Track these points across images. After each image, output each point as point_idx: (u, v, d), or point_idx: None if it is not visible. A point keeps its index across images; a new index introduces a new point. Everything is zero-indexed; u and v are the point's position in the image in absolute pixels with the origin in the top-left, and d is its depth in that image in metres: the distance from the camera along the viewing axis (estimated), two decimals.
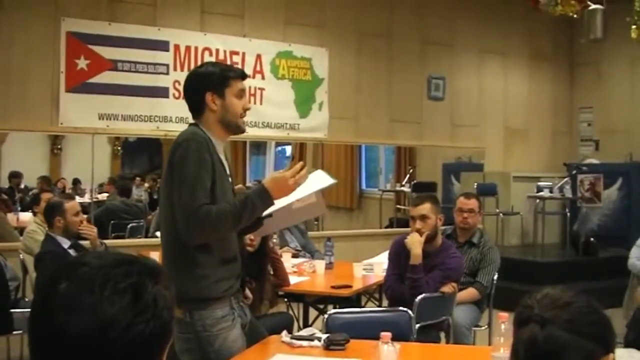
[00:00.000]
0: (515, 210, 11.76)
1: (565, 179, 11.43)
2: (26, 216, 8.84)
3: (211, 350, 3.51)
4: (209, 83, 3.64)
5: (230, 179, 3.72)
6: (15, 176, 11.59)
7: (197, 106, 3.67)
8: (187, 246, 3.47)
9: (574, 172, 11.74)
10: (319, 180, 3.86)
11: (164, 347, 1.43)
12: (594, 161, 12.36)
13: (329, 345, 3.73)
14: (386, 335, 3.16)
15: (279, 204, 3.65)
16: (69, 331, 1.30)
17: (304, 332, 4.05)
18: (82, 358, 1.31)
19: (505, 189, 11.79)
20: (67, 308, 1.32)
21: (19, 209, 10.35)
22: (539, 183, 11.30)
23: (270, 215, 3.69)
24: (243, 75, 3.77)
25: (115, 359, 1.32)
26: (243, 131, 3.78)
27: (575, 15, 9.79)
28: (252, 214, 3.53)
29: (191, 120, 3.74)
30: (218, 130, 3.66)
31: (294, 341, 3.83)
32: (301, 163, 3.68)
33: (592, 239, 10.88)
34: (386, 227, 12.32)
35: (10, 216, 9.64)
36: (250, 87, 9.56)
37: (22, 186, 11.73)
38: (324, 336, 3.83)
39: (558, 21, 11.65)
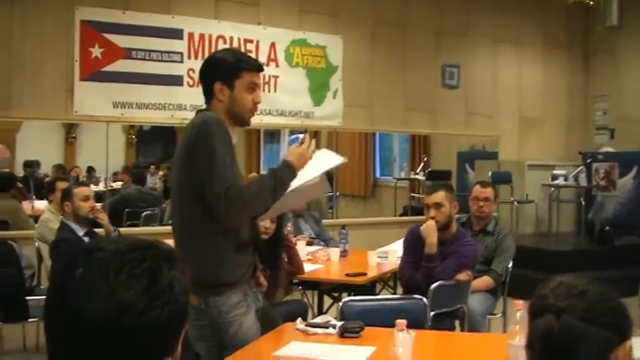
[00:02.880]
0: (530, 198, 11.71)
1: (580, 167, 11.41)
2: (41, 204, 8.88)
3: (226, 336, 3.51)
4: (219, 72, 3.60)
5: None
6: (29, 165, 11.65)
7: (207, 92, 3.64)
8: (204, 231, 3.47)
9: (589, 160, 11.69)
10: (327, 159, 3.83)
11: (180, 332, 1.43)
12: (610, 149, 12.30)
13: (343, 333, 3.72)
14: (401, 322, 3.15)
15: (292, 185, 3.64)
16: (85, 317, 1.30)
17: (319, 320, 4.05)
18: (98, 343, 1.31)
19: (519, 177, 11.74)
20: (83, 293, 1.32)
21: (34, 197, 10.40)
22: (554, 171, 11.29)
23: None
24: (258, 68, 3.70)
25: (132, 343, 1.32)
26: (247, 125, 3.73)
27: (591, 2, 9.75)
28: (282, 187, 3.51)
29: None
30: (225, 119, 3.58)
31: (309, 328, 3.82)
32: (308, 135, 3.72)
33: (607, 228, 10.84)
34: (400, 215, 12.32)
35: (26, 204, 9.68)
36: (264, 75, 9.56)
37: (37, 174, 11.79)
38: (339, 323, 3.83)
39: (573, 8, 11.62)
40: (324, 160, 3.79)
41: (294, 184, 3.61)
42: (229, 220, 3.43)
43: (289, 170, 3.55)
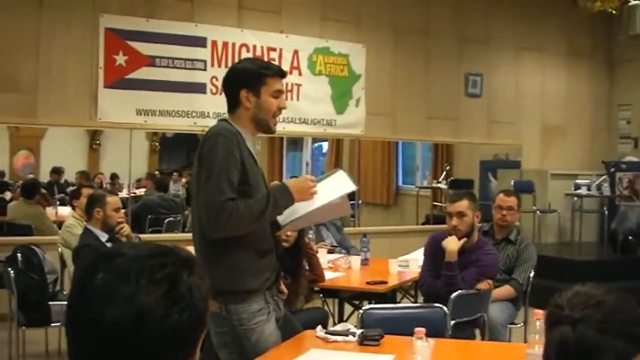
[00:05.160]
0: (552, 208, 11.66)
1: (604, 177, 11.33)
2: (65, 210, 8.95)
3: (248, 344, 3.54)
4: (245, 80, 3.64)
5: (261, 172, 3.71)
6: (56, 172, 11.74)
7: (232, 102, 3.68)
8: (223, 239, 3.48)
9: (613, 169, 11.62)
10: (340, 184, 3.84)
11: (199, 338, 1.44)
12: (633, 159, 12.23)
13: (363, 341, 3.73)
14: (420, 330, 3.15)
15: (302, 210, 3.70)
16: (105, 321, 1.32)
17: (339, 327, 4.05)
18: (118, 348, 1.33)
19: (542, 186, 11.70)
20: (103, 298, 1.33)
21: (58, 203, 10.47)
22: (577, 181, 11.23)
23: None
24: (281, 74, 3.76)
25: (151, 348, 1.34)
26: (272, 132, 3.77)
27: (614, 12, 9.71)
28: (275, 210, 3.56)
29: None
30: (249, 127, 3.66)
31: (329, 336, 3.82)
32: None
33: (630, 238, 10.76)
34: (422, 224, 12.29)
35: (49, 210, 9.76)
36: (287, 83, 9.59)
37: (62, 181, 11.87)
38: (359, 331, 3.83)
39: (597, 17, 11.56)
40: (338, 186, 3.83)
41: (307, 207, 3.69)
42: (212, 230, 3.46)
43: (286, 196, 3.58)
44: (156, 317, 1.33)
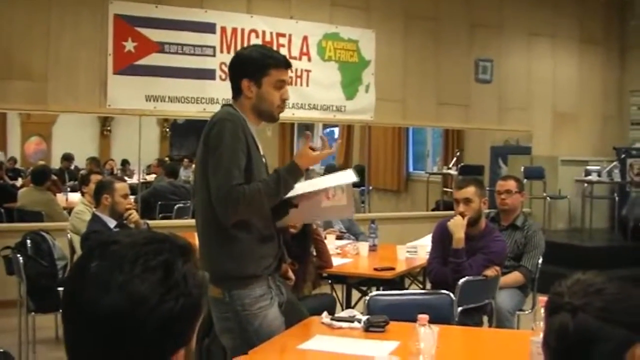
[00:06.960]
0: (563, 194, 11.64)
1: (614, 163, 11.30)
2: (75, 197, 8.98)
3: (251, 329, 3.55)
4: (247, 70, 3.61)
5: (263, 160, 3.69)
6: (66, 159, 11.79)
7: (235, 89, 3.66)
8: (226, 225, 3.49)
9: (624, 156, 11.57)
10: (343, 176, 3.89)
11: (194, 324, 1.44)
12: None
13: (368, 327, 3.73)
14: (423, 317, 3.15)
15: (304, 188, 3.72)
16: (100, 309, 1.32)
17: (344, 314, 4.06)
18: (113, 335, 1.33)
19: (553, 172, 11.68)
20: (98, 286, 1.34)
21: (69, 189, 10.51)
22: (587, 167, 11.20)
23: (296, 205, 3.77)
24: (286, 64, 3.69)
25: (146, 335, 1.34)
26: (276, 121, 3.75)
27: None
28: (285, 188, 3.55)
29: None
30: (251, 116, 3.63)
31: (334, 322, 3.83)
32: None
33: None
34: (433, 210, 12.29)
35: (60, 197, 9.80)
36: (296, 69, 9.61)
37: (72, 167, 11.92)
38: (364, 318, 3.83)
39: (609, 3, 11.50)
40: (340, 177, 3.89)
41: (308, 188, 3.75)
42: (225, 215, 3.45)
43: (293, 169, 3.57)
44: (151, 304, 1.33)
